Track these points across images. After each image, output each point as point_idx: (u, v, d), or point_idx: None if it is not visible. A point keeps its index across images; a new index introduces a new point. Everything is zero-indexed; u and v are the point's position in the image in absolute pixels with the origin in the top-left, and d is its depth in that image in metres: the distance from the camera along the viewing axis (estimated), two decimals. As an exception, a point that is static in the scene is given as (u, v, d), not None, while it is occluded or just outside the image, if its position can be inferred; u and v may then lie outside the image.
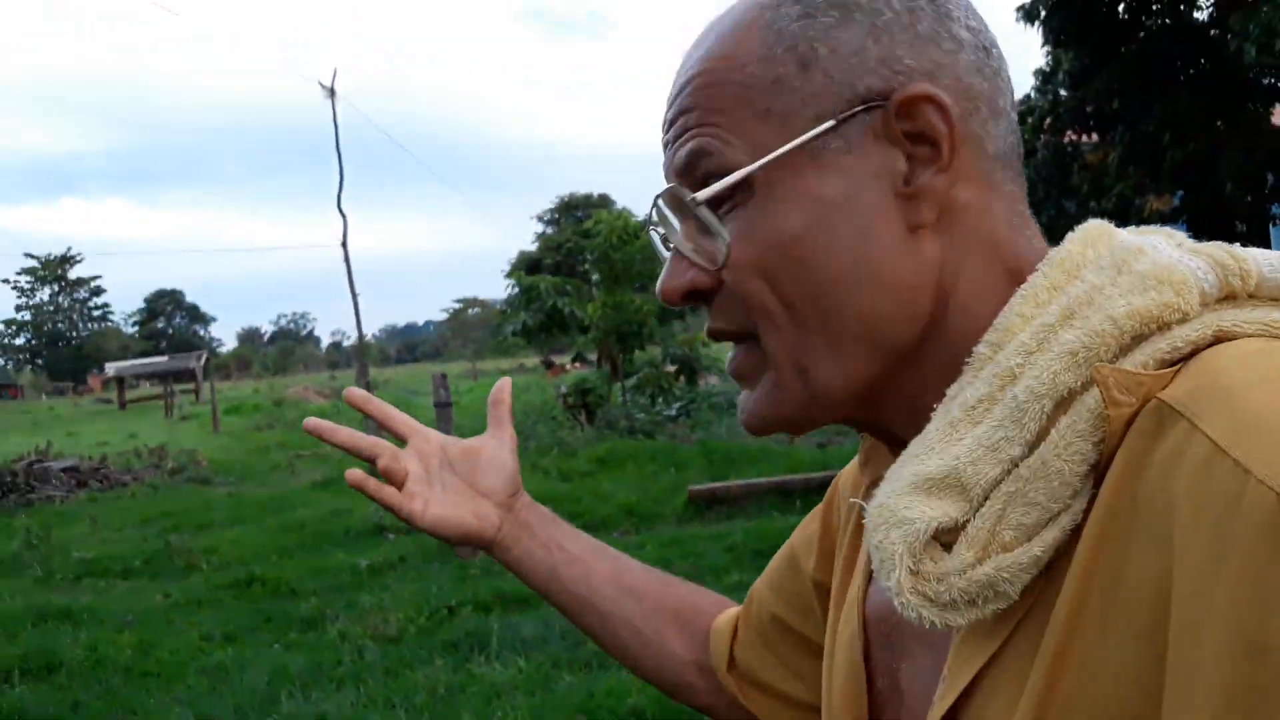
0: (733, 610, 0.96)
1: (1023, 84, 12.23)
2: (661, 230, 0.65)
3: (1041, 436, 0.52)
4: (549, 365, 36.53)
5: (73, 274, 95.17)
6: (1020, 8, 11.18)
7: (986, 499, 0.52)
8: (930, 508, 0.53)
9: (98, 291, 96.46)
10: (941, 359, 0.59)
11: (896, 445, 0.61)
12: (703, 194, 0.60)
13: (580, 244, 30.27)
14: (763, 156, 0.59)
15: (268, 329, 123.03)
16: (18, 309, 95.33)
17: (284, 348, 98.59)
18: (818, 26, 0.60)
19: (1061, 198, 10.39)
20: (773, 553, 0.95)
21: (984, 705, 0.54)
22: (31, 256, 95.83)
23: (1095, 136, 10.54)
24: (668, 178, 0.64)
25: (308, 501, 10.60)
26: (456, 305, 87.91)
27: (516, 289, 15.79)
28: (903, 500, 0.54)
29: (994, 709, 0.53)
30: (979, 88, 0.60)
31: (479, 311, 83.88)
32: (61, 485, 12.48)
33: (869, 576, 0.71)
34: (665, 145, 0.65)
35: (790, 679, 0.89)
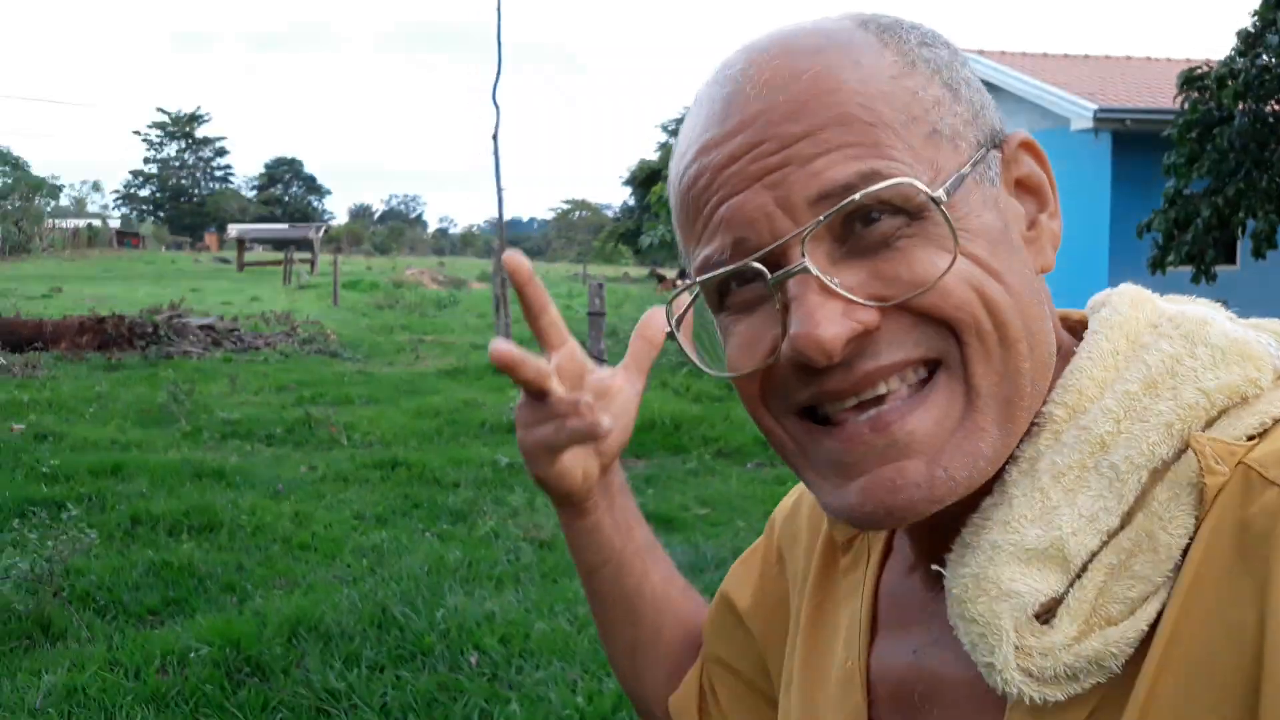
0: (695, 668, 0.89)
1: (1224, 45, 11.45)
2: (788, 276, 0.55)
3: (1136, 507, 0.52)
4: (660, 279, 36.30)
5: (199, 133, 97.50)
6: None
7: (1084, 571, 0.52)
8: (1034, 581, 0.52)
9: (222, 152, 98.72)
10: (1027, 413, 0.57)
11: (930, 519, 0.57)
12: (940, 191, 0.54)
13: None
14: (940, 176, 0.55)
15: (379, 208, 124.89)
16: (146, 161, 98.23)
17: (394, 228, 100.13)
18: (943, 57, 0.58)
19: (1254, 169, 9.76)
20: None
21: None
22: (162, 111, 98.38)
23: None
24: (762, 221, 0.55)
25: (437, 388, 10.70)
26: (565, 206, 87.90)
27: (632, 196, 15.48)
28: (1004, 571, 0.52)
29: None
30: None
31: (586, 214, 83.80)
32: (198, 342, 12.83)
33: (871, 637, 0.67)
34: (764, 173, 0.55)
35: None
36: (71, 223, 56.91)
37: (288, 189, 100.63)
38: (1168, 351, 0.55)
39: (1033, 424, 0.56)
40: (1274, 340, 0.56)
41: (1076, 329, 0.61)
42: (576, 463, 0.79)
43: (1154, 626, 0.50)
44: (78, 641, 4.08)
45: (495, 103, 12.68)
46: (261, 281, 30.98)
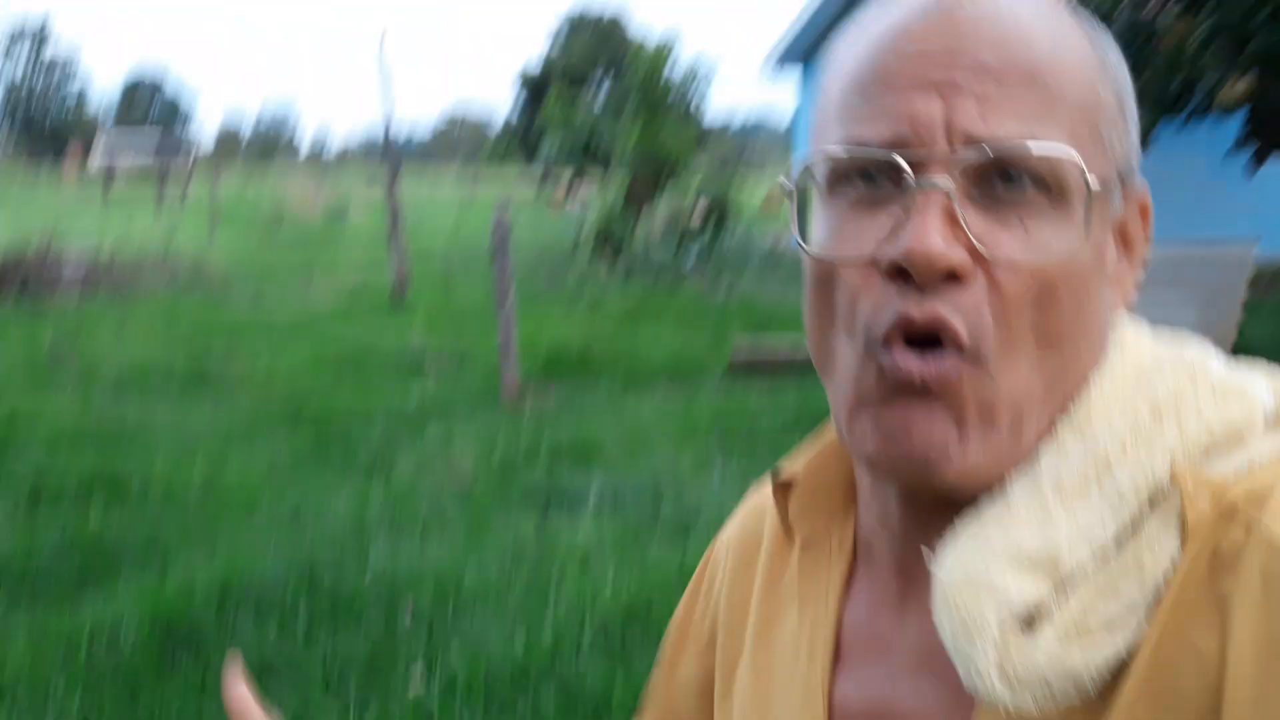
0: None
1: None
2: (937, 184, 0.55)
3: (1129, 530, 0.53)
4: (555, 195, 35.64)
5: (47, 54, 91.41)
6: None
7: (1070, 584, 0.53)
8: (1023, 583, 0.53)
9: (73, 74, 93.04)
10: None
11: (940, 505, 0.58)
12: (1096, 184, 0.56)
13: (589, 68, 29.40)
14: (1105, 174, 0.57)
15: (249, 124, 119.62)
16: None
17: (266, 147, 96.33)
18: (1122, 79, 0.60)
19: (1133, 69, 10.01)
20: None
21: None
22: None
23: (1180, 8, 10.10)
24: (932, 129, 0.55)
25: (333, 327, 10.48)
26: (445, 123, 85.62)
27: (525, 102, 15.21)
28: (995, 568, 0.53)
29: None
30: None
31: (472, 124, 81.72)
32: (74, 285, 12.27)
33: (835, 660, 0.66)
34: (952, 85, 0.55)
35: None
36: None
37: (149, 112, 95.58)
38: (1173, 383, 0.57)
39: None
40: (1264, 382, 0.59)
41: None
42: None
43: (1131, 651, 0.52)
44: (-6, 624, 3.98)
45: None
46: (132, 209, 29.59)
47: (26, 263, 12.35)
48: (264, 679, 3.56)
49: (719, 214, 14.67)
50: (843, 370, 0.59)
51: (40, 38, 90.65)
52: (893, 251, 0.54)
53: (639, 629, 3.82)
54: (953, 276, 0.54)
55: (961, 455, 0.55)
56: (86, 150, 49.30)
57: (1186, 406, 0.56)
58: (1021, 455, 0.56)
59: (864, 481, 0.67)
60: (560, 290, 11.14)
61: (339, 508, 5.23)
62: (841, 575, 0.68)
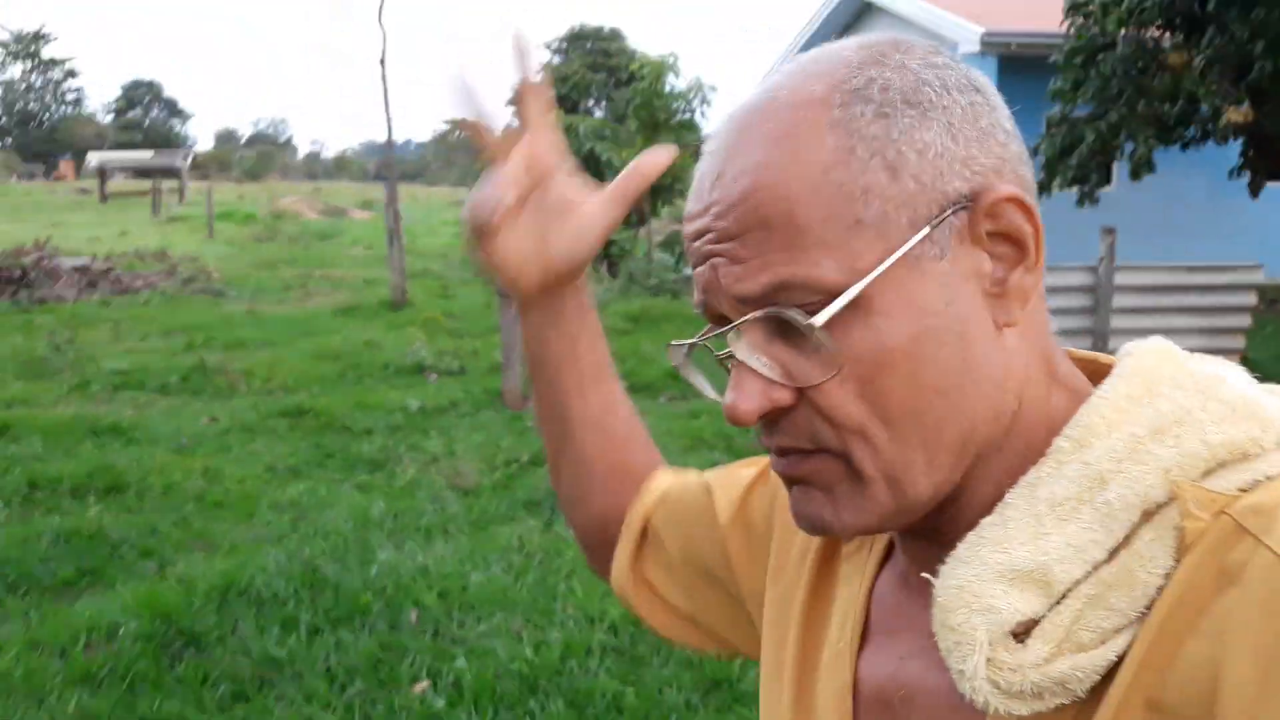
0: (642, 511, 0.93)
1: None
2: (725, 350, 0.61)
3: (1123, 544, 0.54)
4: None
5: (46, 53, 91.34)
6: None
7: (1064, 597, 0.54)
8: (1015, 600, 0.54)
9: (72, 74, 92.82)
10: (1013, 453, 0.60)
11: (935, 532, 0.62)
12: (820, 319, 0.56)
13: (589, 78, 29.36)
14: (860, 271, 0.56)
15: (246, 129, 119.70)
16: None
17: (263, 152, 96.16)
18: (899, 128, 0.58)
19: (1136, 95, 10.06)
20: None
21: None
22: (2, 28, 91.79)
23: (1181, 37, 10.14)
24: (717, 295, 0.60)
25: (333, 328, 10.43)
26: (444, 126, 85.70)
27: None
28: (987, 587, 0.55)
29: None
30: (1028, 178, 0.61)
31: (466, 136, 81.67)
32: (72, 285, 12.19)
33: (864, 633, 0.70)
34: (710, 255, 0.60)
35: (680, 595, 0.91)
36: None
37: (147, 113, 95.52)
38: (1180, 402, 0.57)
39: (1041, 454, 0.59)
40: None
41: (1102, 372, 0.63)
42: (512, 255, 0.82)
43: (1121, 659, 0.53)
44: (-11, 621, 3.90)
45: (382, 25, 12.19)
46: (128, 212, 29.49)
47: (25, 262, 12.26)
48: (268, 678, 3.49)
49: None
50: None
51: (37, 39, 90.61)
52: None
53: (648, 634, 3.75)
54: (767, 414, 0.59)
55: (838, 520, 0.60)
56: (82, 154, 49.18)
57: (1190, 425, 0.56)
58: (916, 504, 0.59)
59: None
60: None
61: (341, 508, 5.15)
62: (879, 556, 0.72)
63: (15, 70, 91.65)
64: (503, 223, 0.81)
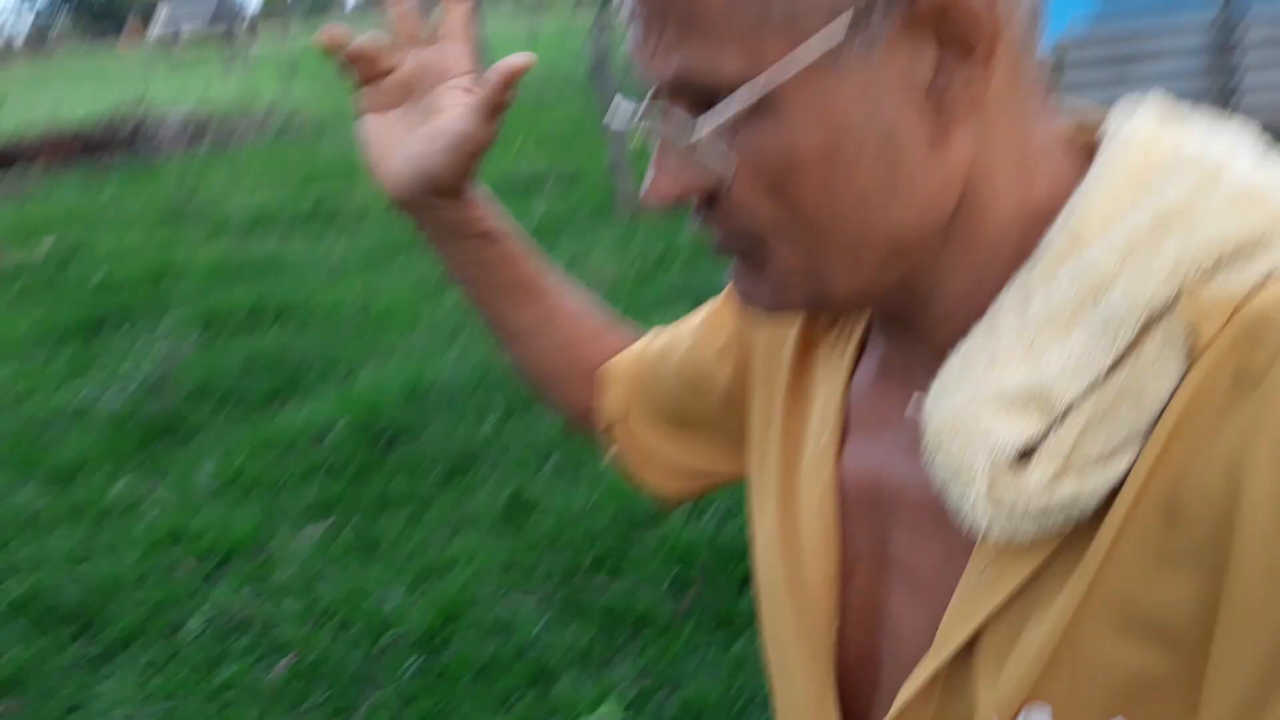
0: (623, 366, 0.91)
1: None
2: (650, 124, 0.55)
3: (1128, 351, 0.49)
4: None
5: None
6: None
7: (1067, 413, 0.50)
8: (1015, 423, 0.50)
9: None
10: (984, 245, 0.54)
11: (912, 329, 0.58)
12: (704, 124, 0.51)
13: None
14: (767, 68, 0.49)
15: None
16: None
17: (317, 1, 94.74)
18: None
19: None
20: None
21: (1021, 617, 0.53)
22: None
23: None
24: (651, 79, 0.54)
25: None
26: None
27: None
28: (984, 413, 0.51)
29: (1034, 623, 0.52)
30: None
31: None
32: (180, 139, 12.52)
33: (843, 431, 0.66)
34: (639, 44, 0.54)
35: (678, 448, 0.88)
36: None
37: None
38: (1184, 188, 0.50)
39: (1028, 246, 0.54)
40: None
41: (1092, 146, 0.56)
42: (373, 154, 0.82)
43: (1128, 474, 0.49)
44: (213, 434, 4.30)
45: None
46: (202, 70, 29.67)
47: (126, 125, 12.60)
48: (478, 454, 3.83)
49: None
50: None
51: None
52: None
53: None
54: (687, 201, 0.56)
55: (764, 298, 0.58)
56: (145, 23, 49.17)
57: (1198, 214, 0.49)
58: (842, 299, 0.56)
59: None
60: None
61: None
62: (855, 348, 0.68)
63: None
64: (366, 115, 0.81)
